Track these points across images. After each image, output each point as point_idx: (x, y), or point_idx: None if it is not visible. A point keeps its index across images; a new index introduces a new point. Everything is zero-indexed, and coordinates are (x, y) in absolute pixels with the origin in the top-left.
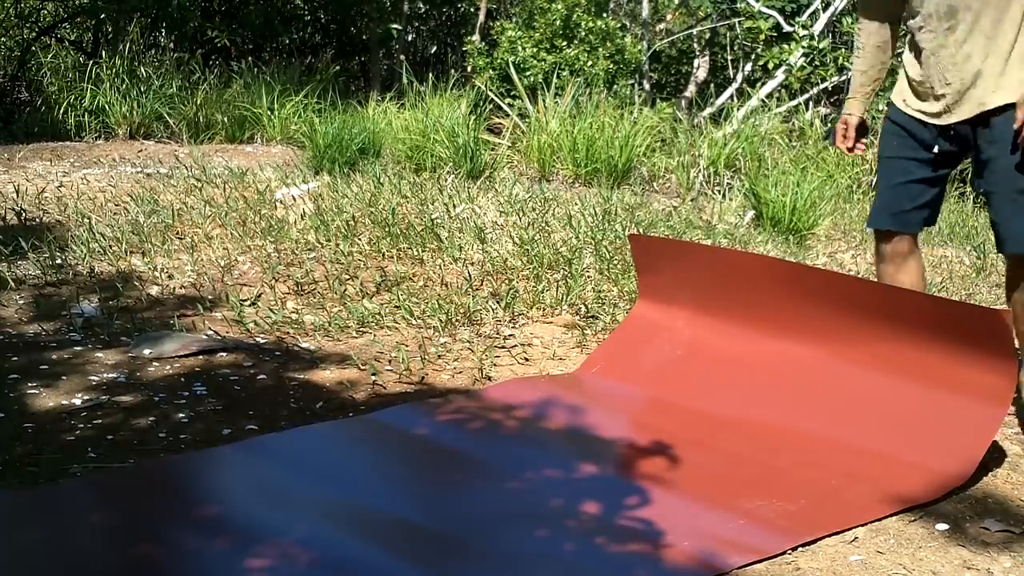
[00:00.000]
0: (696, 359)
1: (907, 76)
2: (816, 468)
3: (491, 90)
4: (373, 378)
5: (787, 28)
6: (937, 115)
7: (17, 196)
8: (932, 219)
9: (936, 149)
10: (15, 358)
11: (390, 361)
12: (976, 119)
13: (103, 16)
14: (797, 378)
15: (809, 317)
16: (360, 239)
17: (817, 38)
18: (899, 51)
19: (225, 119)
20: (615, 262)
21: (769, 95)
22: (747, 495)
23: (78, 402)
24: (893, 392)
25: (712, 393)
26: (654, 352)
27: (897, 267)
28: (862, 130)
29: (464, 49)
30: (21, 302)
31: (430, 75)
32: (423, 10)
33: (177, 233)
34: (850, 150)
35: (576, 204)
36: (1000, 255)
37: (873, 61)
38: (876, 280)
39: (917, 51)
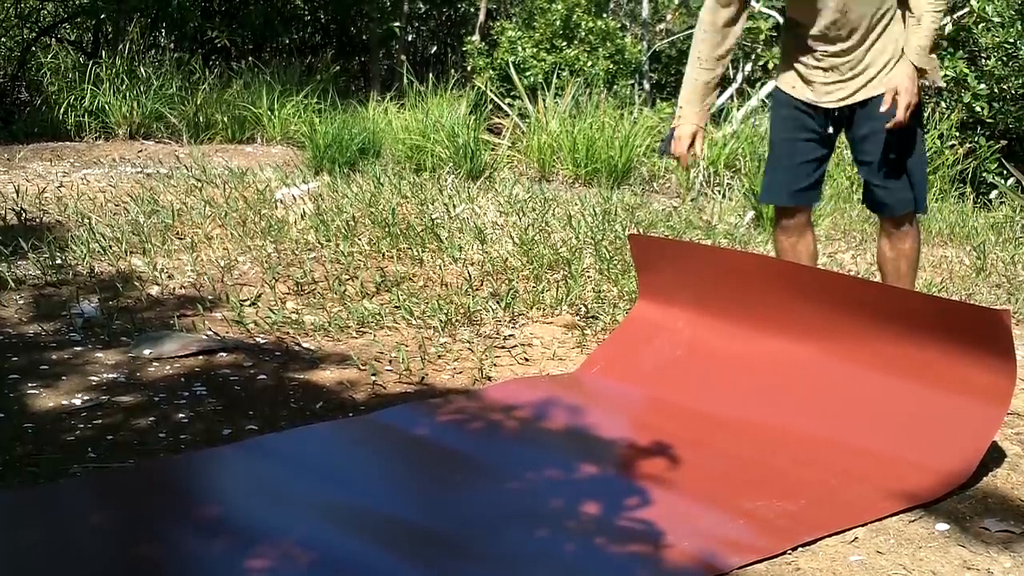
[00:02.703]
0: (696, 359)
1: (794, 67)
2: (816, 468)
3: (491, 90)
4: (373, 378)
5: None
6: (828, 101)
7: (17, 196)
8: (819, 195)
9: (829, 130)
10: (15, 358)
11: (390, 361)
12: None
13: (103, 16)
14: (797, 378)
15: (809, 317)
16: (360, 239)
17: None
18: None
19: (225, 119)
20: (615, 262)
21: (769, 95)
22: (747, 495)
23: (78, 402)
24: (893, 392)
25: (712, 393)
26: (654, 352)
27: (798, 238)
28: (695, 139)
29: (464, 49)
30: (21, 302)
31: (430, 75)
32: (423, 10)
33: (177, 233)
34: (682, 158)
35: (576, 204)
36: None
37: (716, 71)
38: (777, 254)
39: (807, 50)
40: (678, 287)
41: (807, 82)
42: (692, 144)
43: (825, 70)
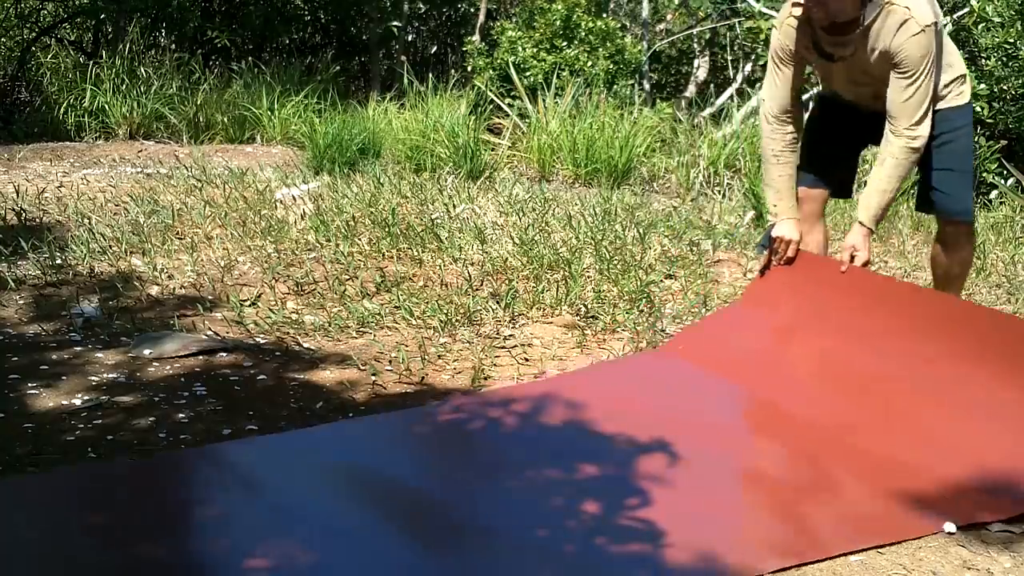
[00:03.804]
0: (784, 356)
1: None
2: (872, 482)
3: (491, 90)
4: (373, 378)
5: None
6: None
7: (17, 196)
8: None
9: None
10: (15, 358)
11: (390, 361)
12: None
13: (103, 16)
14: (878, 392)
15: (912, 341)
16: (360, 239)
17: None
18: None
19: (225, 119)
20: (615, 262)
21: None
22: (797, 499)
23: (78, 402)
24: (981, 421)
25: (787, 392)
26: (741, 343)
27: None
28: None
29: (464, 49)
30: (21, 302)
31: (430, 75)
32: (423, 10)
33: (177, 233)
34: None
35: (576, 204)
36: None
37: (794, 157)
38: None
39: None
40: (785, 290)
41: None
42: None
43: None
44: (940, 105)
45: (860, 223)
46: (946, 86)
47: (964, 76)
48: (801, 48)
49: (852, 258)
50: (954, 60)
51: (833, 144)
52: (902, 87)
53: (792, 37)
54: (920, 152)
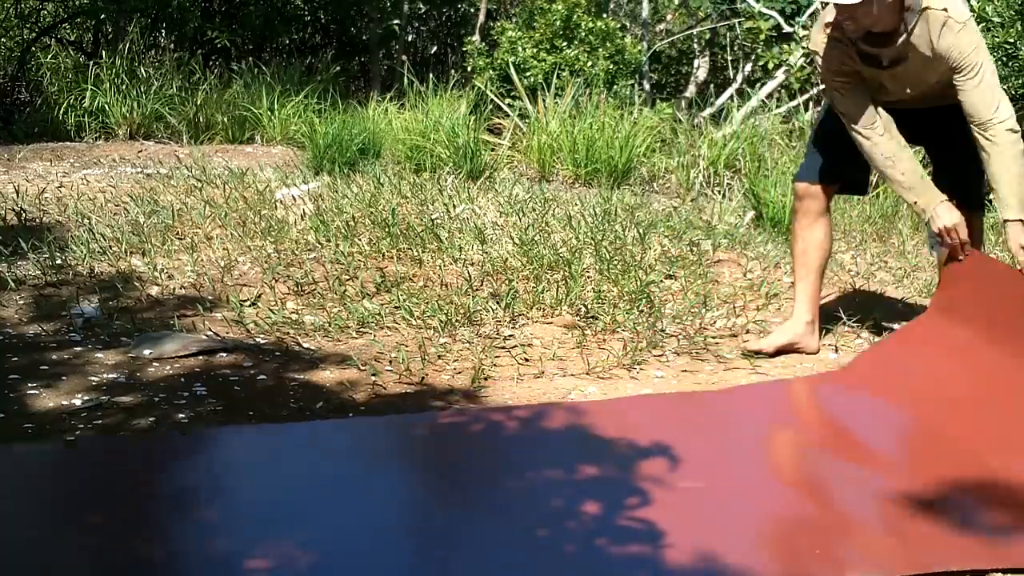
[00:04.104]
0: (962, 378)
1: None
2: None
3: (491, 90)
4: (373, 378)
5: (787, 28)
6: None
7: (17, 196)
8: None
9: None
10: (15, 358)
11: (390, 361)
12: None
13: (103, 16)
14: None
15: None
16: (360, 239)
17: None
18: None
19: (225, 119)
20: (615, 262)
21: (769, 95)
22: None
23: (78, 402)
24: None
25: (953, 415)
26: (920, 363)
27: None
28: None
29: (464, 49)
30: (21, 302)
31: (430, 75)
32: (423, 10)
33: (177, 233)
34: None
35: (576, 204)
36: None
37: (903, 141)
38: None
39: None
40: (971, 304)
41: None
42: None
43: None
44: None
45: (1010, 220)
46: None
47: None
48: (848, 61)
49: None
50: None
51: (849, 142)
52: (971, 85)
53: (835, 56)
54: (1020, 132)
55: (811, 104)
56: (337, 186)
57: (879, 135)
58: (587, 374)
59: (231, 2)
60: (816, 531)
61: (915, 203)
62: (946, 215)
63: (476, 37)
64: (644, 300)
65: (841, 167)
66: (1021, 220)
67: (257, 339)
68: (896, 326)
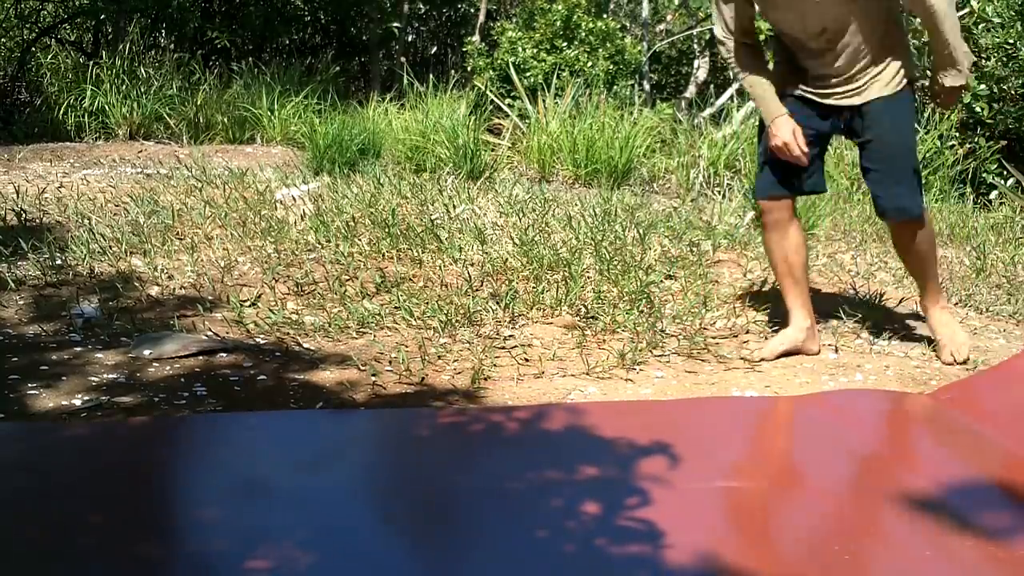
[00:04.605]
0: None
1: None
2: None
3: (491, 91)
4: (373, 378)
5: None
6: (825, 97)
7: (17, 196)
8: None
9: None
10: (15, 358)
11: (390, 362)
12: (855, 108)
13: (103, 17)
14: None
15: None
16: (360, 240)
17: None
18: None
19: (225, 120)
20: (615, 263)
21: None
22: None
23: (78, 402)
24: None
25: None
26: (1015, 395)
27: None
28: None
29: (464, 49)
30: (21, 302)
31: (430, 76)
32: (423, 10)
33: (177, 234)
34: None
35: (576, 205)
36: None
37: (765, 69)
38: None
39: (797, 59)
40: None
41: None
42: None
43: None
44: (885, 92)
45: (940, 83)
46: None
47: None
48: None
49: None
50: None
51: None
52: None
53: None
54: None
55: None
56: (337, 186)
57: (744, 48)
58: (587, 374)
59: (231, 2)
60: (817, 534)
61: (773, 103)
62: (782, 129)
63: (476, 37)
64: (644, 300)
65: (791, 174)
66: (956, 86)
67: (257, 339)
68: (892, 327)
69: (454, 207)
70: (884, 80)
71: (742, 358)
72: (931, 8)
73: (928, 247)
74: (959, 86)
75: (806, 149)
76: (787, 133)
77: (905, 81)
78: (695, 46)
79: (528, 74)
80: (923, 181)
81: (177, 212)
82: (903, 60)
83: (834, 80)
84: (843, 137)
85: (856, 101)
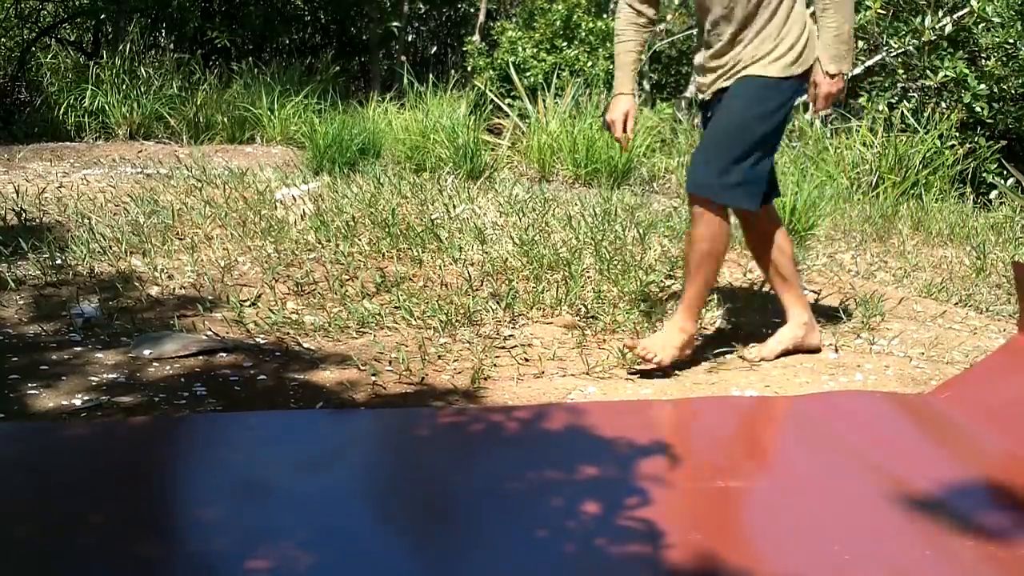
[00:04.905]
0: None
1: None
2: None
3: (491, 90)
4: (373, 378)
5: None
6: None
7: (17, 196)
8: None
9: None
10: (15, 358)
11: (390, 362)
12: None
13: (103, 16)
14: None
15: None
16: (360, 240)
17: None
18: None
19: (225, 120)
20: (615, 262)
21: None
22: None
23: (78, 402)
24: None
25: None
26: (1013, 388)
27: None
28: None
29: (464, 49)
30: (21, 302)
31: (430, 75)
32: (423, 10)
33: (177, 233)
34: (622, 141)
35: (576, 205)
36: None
37: (640, 39)
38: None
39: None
40: None
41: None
42: (627, 123)
43: (715, 58)
44: (755, 71)
45: (828, 73)
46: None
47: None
48: None
49: (818, 98)
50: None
51: None
52: None
53: None
54: None
55: (811, 104)
56: (337, 186)
57: (636, 11)
58: (587, 374)
59: (231, 2)
60: (817, 535)
61: (624, 79)
62: (614, 107)
63: (476, 37)
64: (644, 300)
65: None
66: (833, 73)
67: (257, 339)
68: (893, 326)
69: (454, 207)
70: (765, 62)
71: (741, 357)
72: None
73: (709, 248)
74: (842, 73)
75: (630, 136)
76: (616, 113)
77: (790, 73)
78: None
79: (528, 74)
80: (764, 189)
81: (177, 212)
82: (795, 50)
83: (723, 58)
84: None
85: (729, 83)
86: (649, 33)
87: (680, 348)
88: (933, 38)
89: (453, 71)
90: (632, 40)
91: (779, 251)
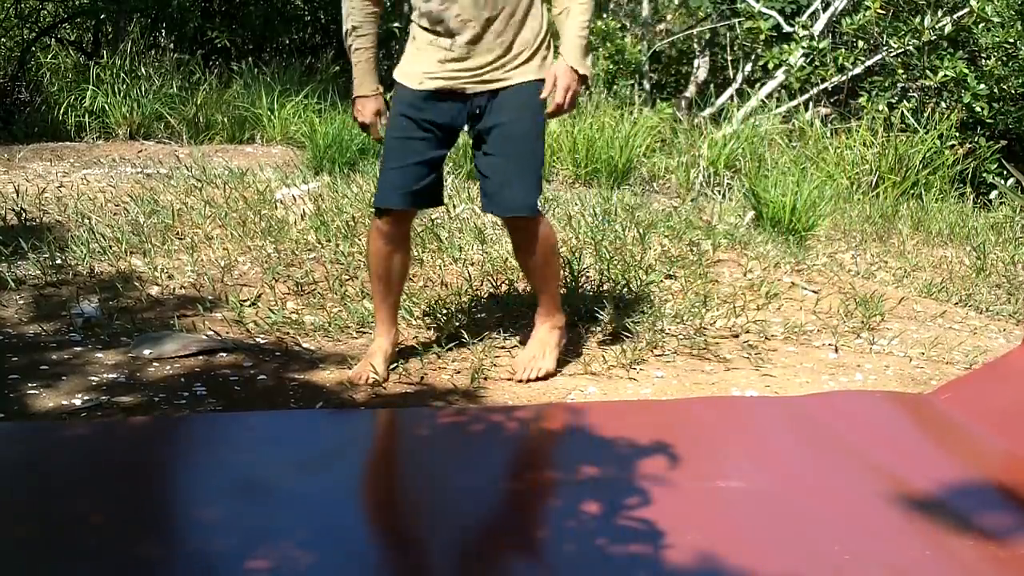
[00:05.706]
0: None
1: (422, 57)
2: None
3: None
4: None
5: (787, 28)
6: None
7: (17, 196)
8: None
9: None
10: (15, 358)
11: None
12: (492, 93)
13: (103, 16)
14: None
15: None
16: (360, 239)
17: (817, 38)
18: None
19: (225, 119)
20: (615, 262)
21: (769, 95)
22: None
23: (78, 402)
24: None
25: None
26: (1014, 393)
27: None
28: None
29: None
30: (21, 302)
31: None
32: None
33: (177, 233)
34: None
35: (576, 204)
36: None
37: (375, 33)
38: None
39: (445, 33)
40: None
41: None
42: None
43: (458, 59)
44: (527, 77)
45: (572, 67)
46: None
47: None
48: None
49: (562, 92)
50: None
51: (415, 151)
52: None
53: None
54: None
55: (811, 104)
56: (337, 186)
57: (367, 6)
58: (587, 374)
59: (231, 2)
60: (817, 535)
61: (366, 76)
62: (364, 111)
63: None
64: (644, 300)
65: (418, 180)
66: (578, 70)
67: (257, 339)
68: (892, 325)
69: (454, 207)
70: (535, 65)
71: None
72: None
73: (549, 251)
74: (585, 75)
75: (382, 135)
76: (368, 116)
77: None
78: (695, 46)
79: None
80: (542, 184)
81: (177, 212)
82: (548, 49)
83: (478, 60)
84: (466, 128)
85: (498, 85)
86: (375, 25)
87: (558, 345)
88: (933, 38)
89: None
90: (370, 34)
91: (401, 277)
